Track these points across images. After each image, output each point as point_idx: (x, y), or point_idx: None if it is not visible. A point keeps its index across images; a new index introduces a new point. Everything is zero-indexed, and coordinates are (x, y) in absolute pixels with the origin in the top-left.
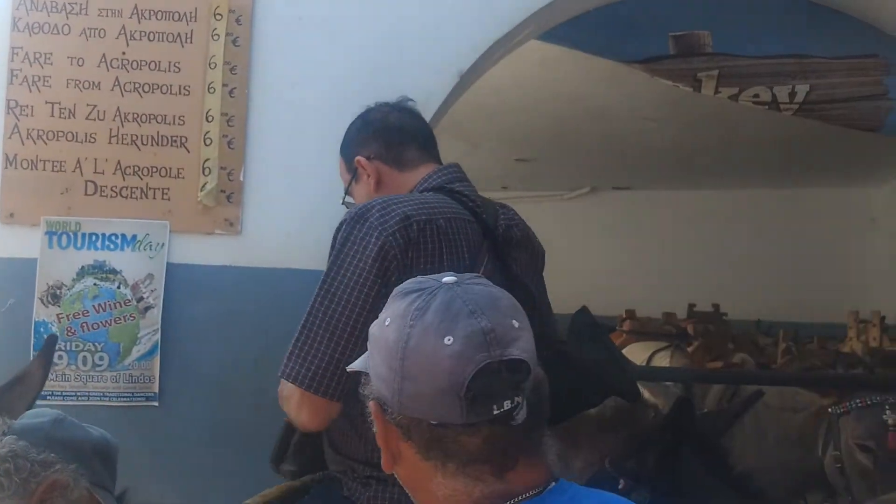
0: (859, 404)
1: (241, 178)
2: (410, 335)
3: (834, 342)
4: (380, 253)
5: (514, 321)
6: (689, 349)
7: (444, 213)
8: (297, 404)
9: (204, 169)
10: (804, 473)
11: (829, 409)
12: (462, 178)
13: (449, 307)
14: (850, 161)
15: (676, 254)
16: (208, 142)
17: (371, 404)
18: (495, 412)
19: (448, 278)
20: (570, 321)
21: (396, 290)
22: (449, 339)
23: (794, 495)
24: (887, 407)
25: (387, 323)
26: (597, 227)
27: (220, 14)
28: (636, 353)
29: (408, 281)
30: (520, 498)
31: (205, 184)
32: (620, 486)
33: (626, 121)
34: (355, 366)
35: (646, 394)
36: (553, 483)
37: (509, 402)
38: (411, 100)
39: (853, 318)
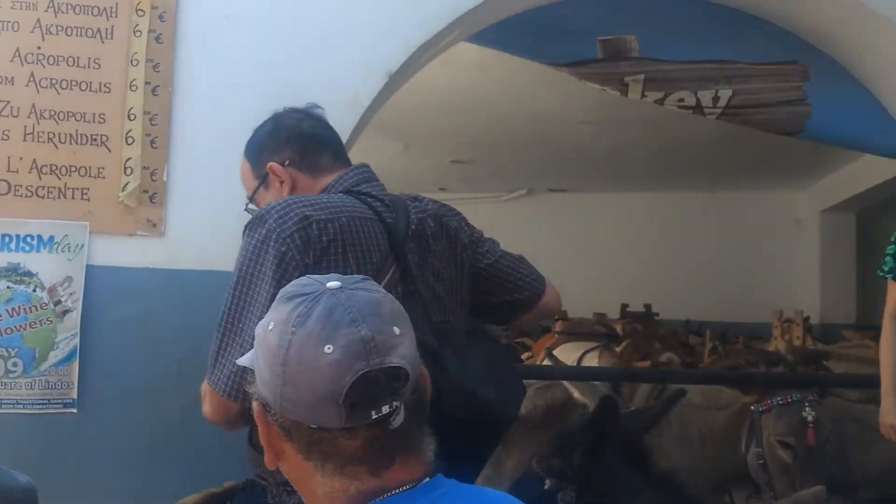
0: (780, 402)
1: (165, 178)
2: (292, 342)
3: (759, 341)
4: (277, 257)
5: (395, 328)
6: (618, 349)
7: (346, 212)
8: (206, 400)
9: (125, 168)
10: (728, 470)
11: (752, 407)
12: (370, 179)
13: (330, 315)
14: (776, 165)
15: (610, 255)
16: (130, 141)
17: (254, 405)
18: (374, 417)
19: (332, 283)
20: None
21: (281, 292)
22: (329, 348)
23: (719, 491)
24: (806, 404)
25: (270, 327)
26: (533, 229)
27: (142, 10)
28: (568, 354)
29: (293, 283)
30: (392, 493)
31: (126, 184)
32: (547, 486)
33: (562, 124)
34: (243, 361)
35: (575, 393)
36: (427, 479)
37: (387, 406)
38: (319, 107)
39: (777, 318)
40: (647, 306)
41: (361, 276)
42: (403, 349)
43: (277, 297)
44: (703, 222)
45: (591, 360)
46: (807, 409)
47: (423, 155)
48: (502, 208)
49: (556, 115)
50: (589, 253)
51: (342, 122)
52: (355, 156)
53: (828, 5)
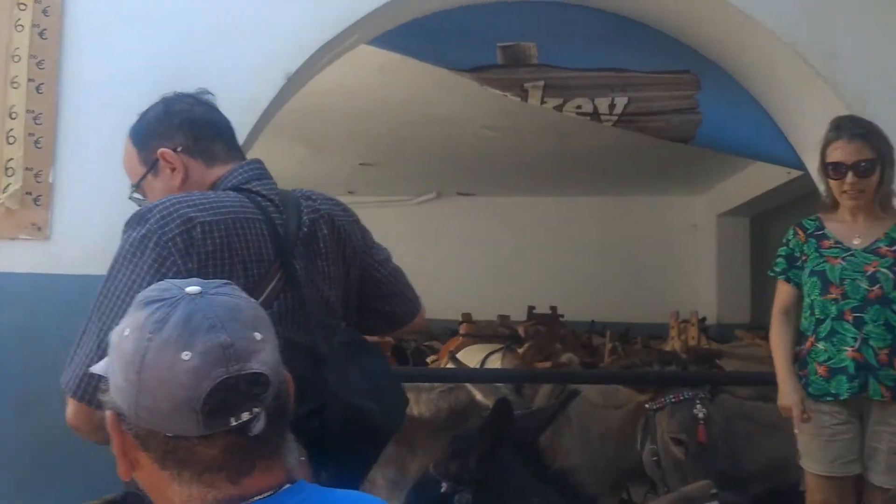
0: (673, 400)
1: (50, 180)
2: (148, 348)
3: (658, 341)
4: (157, 261)
5: (256, 333)
6: (521, 350)
7: (233, 213)
8: (68, 409)
9: (7, 169)
10: (626, 467)
11: (647, 406)
12: (262, 176)
13: (189, 321)
14: (675, 171)
15: (518, 258)
16: (11, 140)
17: (108, 414)
18: (233, 424)
19: (192, 288)
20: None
21: (138, 297)
22: (187, 355)
23: (618, 488)
24: (697, 401)
25: (126, 333)
26: (443, 232)
27: (24, 4)
28: (472, 356)
29: (150, 287)
30: (250, 501)
31: (7, 185)
32: (443, 489)
33: (466, 128)
34: (97, 368)
35: (478, 396)
36: (288, 485)
37: (247, 413)
38: (210, 93)
39: (674, 319)
40: (553, 308)
41: (223, 281)
42: (265, 355)
43: (134, 301)
44: (607, 226)
45: (495, 363)
46: (698, 406)
47: (331, 158)
48: (412, 212)
49: (460, 119)
50: (497, 256)
51: (238, 123)
52: (261, 157)
53: (718, 18)
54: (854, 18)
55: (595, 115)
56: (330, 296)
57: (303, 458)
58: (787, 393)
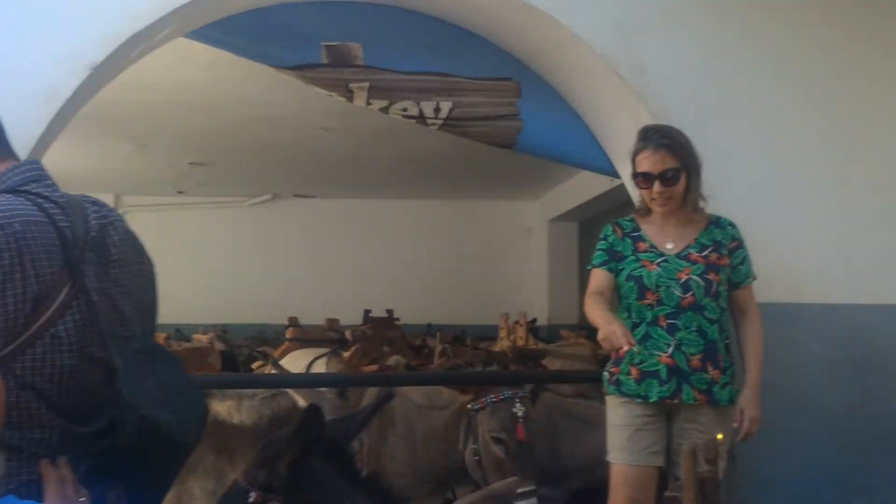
0: (493, 399)
1: None
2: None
3: (489, 343)
4: None
5: None
6: (347, 354)
7: (20, 217)
8: None
9: None
10: (449, 467)
11: (469, 406)
12: (41, 178)
13: None
14: (509, 177)
15: (357, 261)
16: None
17: None
18: None
19: None
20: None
21: None
22: None
23: (442, 489)
24: (517, 400)
25: None
26: (279, 235)
27: None
28: (298, 361)
29: None
30: None
31: None
32: (251, 500)
33: (303, 129)
34: None
35: (301, 401)
36: None
37: None
38: None
39: (504, 320)
40: (389, 311)
41: None
42: None
43: None
44: (444, 230)
45: (321, 367)
46: (517, 405)
47: (159, 156)
48: (246, 213)
49: (295, 119)
50: (335, 259)
51: (37, 115)
52: (85, 154)
53: (537, 28)
54: (663, 33)
55: (421, 118)
56: (123, 305)
57: (83, 500)
58: (606, 322)
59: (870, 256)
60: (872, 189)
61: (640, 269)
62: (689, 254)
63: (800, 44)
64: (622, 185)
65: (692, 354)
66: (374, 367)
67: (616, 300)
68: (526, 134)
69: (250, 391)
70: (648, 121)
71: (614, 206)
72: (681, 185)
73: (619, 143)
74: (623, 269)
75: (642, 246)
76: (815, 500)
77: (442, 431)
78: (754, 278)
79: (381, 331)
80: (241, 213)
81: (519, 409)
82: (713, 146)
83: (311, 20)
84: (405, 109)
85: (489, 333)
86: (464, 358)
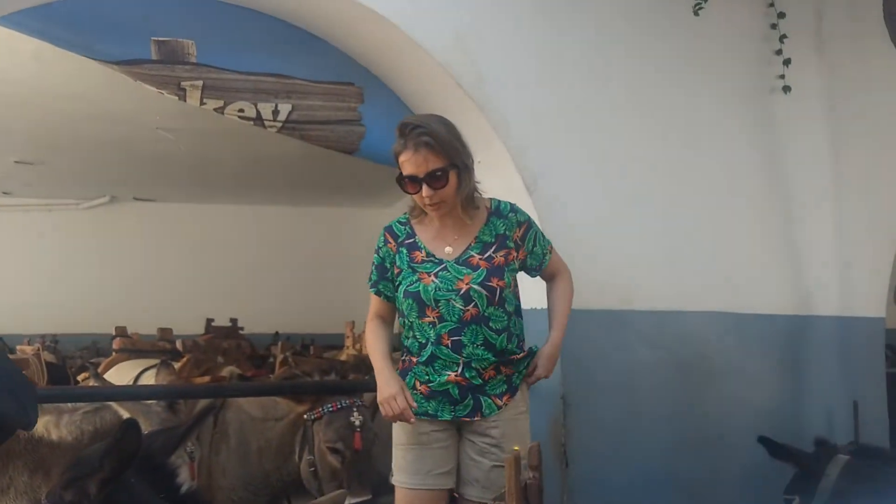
0: (331, 409)
1: None
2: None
3: (335, 352)
4: None
5: None
6: (178, 365)
7: None
8: None
9: None
10: (285, 479)
11: (305, 416)
12: None
13: None
14: (366, 183)
15: (199, 268)
16: None
17: None
18: None
19: None
20: None
21: None
22: None
23: (278, 500)
24: (355, 409)
25: None
26: (116, 239)
27: None
28: (125, 372)
29: None
30: None
31: None
32: None
33: (139, 129)
34: None
35: (126, 415)
36: None
37: None
38: None
39: (349, 329)
40: (234, 320)
41: None
42: None
43: None
44: (294, 237)
45: (150, 379)
46: (355, 414)
47: None
48: (81, 216)
49: (132, 118)
50: (177, 265)
51: None
52: None
53: (379, 35)
54: (501, 43)
55: (259, 120)
56: None
57: None
58: (385, 383)
59: (695, 266)
60: (700, 201)
61: (416, 284)
62: (471, 257)
63: (632, 55)
64: None
65: (483, 369)
66: (206, 379)
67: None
68: (368, 140)
69: (71, 405)
70: (488, 131)
71: None
72: (451, 185)
73: None
74: (399, 283)
75: (418, 256)
76: (645, 500)
77: (277, 443)
78: (550, 245)
79: (216, 341)
80: (75, 217)
81: (356, 419)
82: (550, 156)
83: (139, 13)
84: (242, 111)
85: (339, 342)
86: (304, 367)
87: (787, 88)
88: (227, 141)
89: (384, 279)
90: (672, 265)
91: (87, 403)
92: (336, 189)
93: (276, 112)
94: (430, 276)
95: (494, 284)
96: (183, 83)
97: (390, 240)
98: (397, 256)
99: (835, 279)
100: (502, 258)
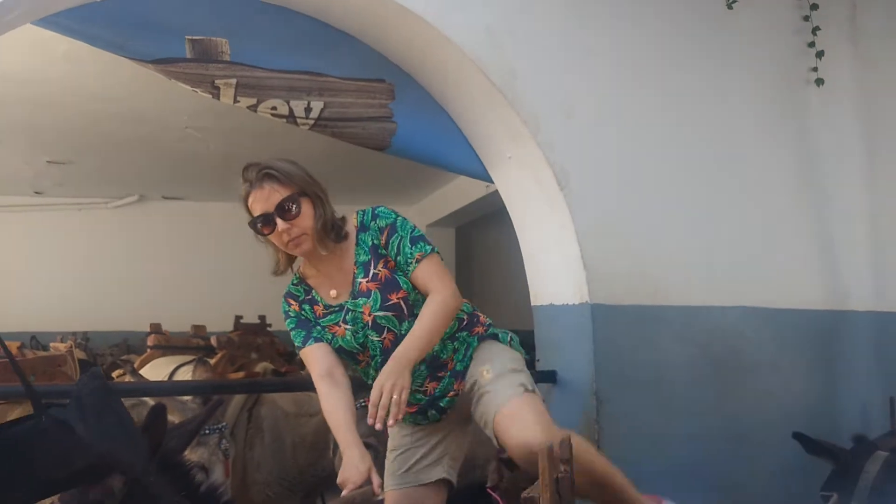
0: (363, 404)
1: None
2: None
3: None
4: None
5: None
6: (213, 361)
7: None
8: None
9: None
10: (319, 475)
11: None
12: None
13: None
14: (388, 181)
15: (229, 265)
16: None
17: None
18: None
19: None
20: (78, 385)
21: None
22: None
23: (312, 496)
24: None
25: None
26: (145, 238)
27: None
28: (160, 368)
29: None
30: None
31: None
32: None
33: (168, 128)
34: None
35: None
36: None
37: None
38: None
39: None
40: (262, 317)
41: None
42: None
43: None
44: None
45: (185, 375)
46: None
47: (14, 153)
48: (110, 215)
49: (162, 117)
50: (205, 263)
51: None
52: None
53: (410, 31)
54: (533, 38)
55: (291, 117)
56: None
57: None
58: (354, 463)
59: (727, 260)
60: (734, 195)
61: (334, 339)
62: (360, 284)
63: (663, 50)
64: (497, 192)
65: (424, 383)
66: (240, 374)
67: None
68: (399, 136)
69: None
70: (519, 126)
71: (490, 211)
72: (306, 215)
73: (492, 147)
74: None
75: (319, 310)
76: (678, 496)
77: (311, 439)
78: (422, 253)
79: (249, 337)
80: (104, 215)
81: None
82: (581, 152)
83: (174, 12)
84: (274, 108)
85: None
86: None
87: (819, 81)
88: (254, 140)
89: (306, 327)
90: (704, 260)
91: (124, 400)
92: (360, 187)
93: (308, 109)
94: (339, 325)
95: (395, 299)
96: (217, 81)
97: (293, 303)
98: (305, 313)
99: (869, 274)
100: (386, 269)
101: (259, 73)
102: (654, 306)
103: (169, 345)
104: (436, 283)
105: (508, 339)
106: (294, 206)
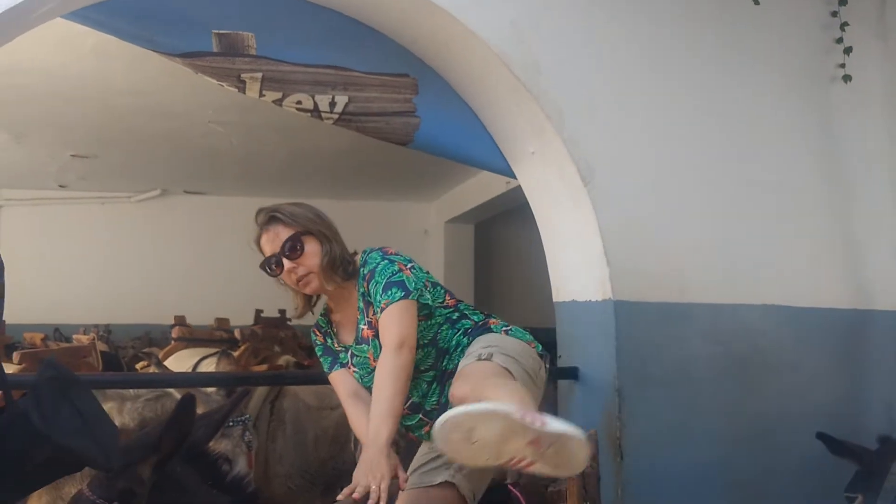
0: None
1: None
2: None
3: None
4: None
5: None
6: (237, 354)
7: None
8: None
9: None
10: (340, 469)
11: None
12: None
13: None
14: (407, 178)
15: (248, 260)
16: None
17: None
18: None
19: None
20: (36, 375)
21: None
22: None
23: (331, 489)
24: None
25: None
26: (167, 232)
27: None
28: (184, 360)
29: None
30: None
31: None
32: None
33: (192, 122)
34: None
35: None
36: None
37: None
38: None
39: None
40: (282, 311)
41: None
42: None
43: None
44: (339, 230)
45: (209, 367)
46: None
47: (38, 147)
48: (133, 209)
49: (185, 112)
50: (226, 257)
51: None
52: None
53: (434, 25)
54: (557, 32)
55: (316, 111)
56: None
57: None
58: (379, 461)
59: (752, 259)
60: (758, 193)
61: (354, 373)
62: (362, 330)
63: (689, 45)
64: (518, 188)
65: (440, 398)
66: (264, 367)
67: None
68: (422, 131)
69: (133, 392)
70: (543, 121)
71: (510, 207)
72: (313, 253)
73: (515, 143)
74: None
75: (336, 345)
76: (699, 495)
77: (333, 432)
78: (388, 300)
79: (272, 330)
80: (127, 209)
81: None
82: (605, 147)
83: (201, 6)
84: (299, 102)
85: None
86: None
87: (847, 77)
88: (276, 134)
89: (336, 356)
90: (728, 257)
91: (149, 391)
92: (383, 184)
93: (332, 104)
94: (349, 366)
95: None
96: (243, 75)
97: (318, 334)
98: (329, 345)
99: (894, 273)
100: (376, 317)
101: (285, 67)
102: (677, 303)
103: (193, 337)
104: (384, 336)
105: (502, 330)
106: (298, 244)
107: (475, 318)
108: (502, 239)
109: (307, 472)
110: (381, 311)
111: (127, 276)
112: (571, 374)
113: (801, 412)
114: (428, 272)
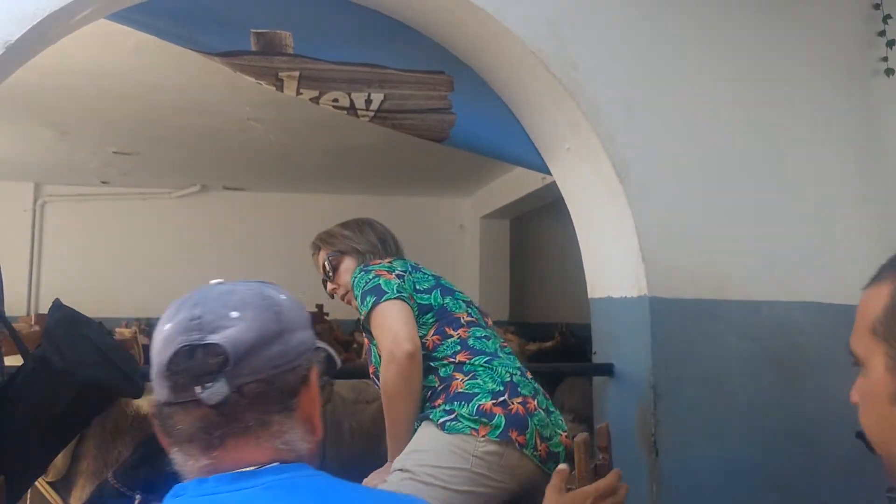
0: None
1: None
2: (155, 325)
3: None
4: None
5: (233, 312)
6: None
7: None
8: None
9: None
10: (377, 463)
11: None
12: None
13: (186, 300)
14: (443, 173)
15: (286, 256)
16: None
17: None
18: (198, 393)
19: (217, 280)
20: (47, 319)
21: None
22: (167, 325)
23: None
24: None
25: None
26: (207, 227)
27: None
28: None
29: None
30: (224, 473)
31: None
32: (137, 501)
33: (233, 119)
34: None
35: None
36: (277, 464)
37: (210, 383)
38: None
39: None
40: (319, 306)
41: (259, 281)
42: (234, 332)
43: None
44: None
45: None
46: None
47: (82, 144)
48: (173, 205)
49: (225, 109)
50: (264, 253)
51: None
52: (1, 140)
53: (469, 22)
54: (594, 30)
55: (352, 109)
56: None
57: None
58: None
59: (790, 255)
60: (797, 188)
61: None
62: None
63: (726, 41)
64: (553, 183)
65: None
66: None
67: None
68: (458, 128)
69: None
70: (579, 118)
71: (545, 203)
72: (346, 271)
73: (551, 139)
74: None
75: None
76: (736, 494)
77: (369, 425)
78: (365, 311)
79: (315, 326)
80: (167, 205)
81: None
82: (641, 144)
83: (240, 6)
84: (336, 100)
85: None
86: None
87: (889, 71)
88: (314, 131)
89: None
90: (766, 254)
91: None
92: (419, 179)
93: (368, 101)
94: None
95: None
96: (280, 74)
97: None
98: None
99: None
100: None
101: (321, 65)
102: (713, 300)
103: None
104: (381, 343)
105: (440, 421)
106: (330, 265)
107: (442, 372)
108: (537, 234)
109: (344, 463)
110: (367, 321)
111: (167, 270)
112: (606, 370)
113: (840, 411)
114: (441, 276)
